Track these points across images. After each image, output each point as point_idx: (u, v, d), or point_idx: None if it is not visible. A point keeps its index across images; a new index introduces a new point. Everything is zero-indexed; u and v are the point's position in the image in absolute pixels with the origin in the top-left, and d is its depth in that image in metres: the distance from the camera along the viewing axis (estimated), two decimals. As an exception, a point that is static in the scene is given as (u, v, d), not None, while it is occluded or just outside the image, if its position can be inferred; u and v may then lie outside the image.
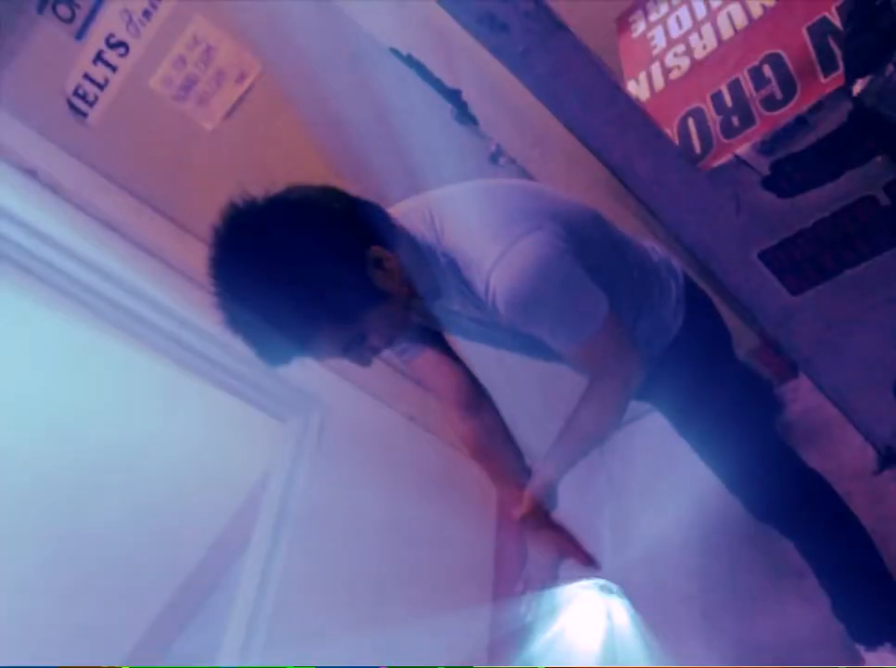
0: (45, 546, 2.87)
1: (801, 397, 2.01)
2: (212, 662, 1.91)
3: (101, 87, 1.84)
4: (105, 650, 3.20)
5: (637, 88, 1.62)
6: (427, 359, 1.32)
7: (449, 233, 1.07)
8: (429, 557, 2.19)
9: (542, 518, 1.28)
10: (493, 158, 1.81)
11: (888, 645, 1.49)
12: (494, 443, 1.36)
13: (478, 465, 1.39)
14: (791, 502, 1.42)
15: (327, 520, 2.06)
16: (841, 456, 1.83)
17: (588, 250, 1.10)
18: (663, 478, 2.04)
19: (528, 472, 1.32)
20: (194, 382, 2.13)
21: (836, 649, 1.59)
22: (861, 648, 1.54)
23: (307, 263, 0.98)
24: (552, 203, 1.15)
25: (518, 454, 1.37)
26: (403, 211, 1.14)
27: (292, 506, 2.03)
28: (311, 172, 1.93)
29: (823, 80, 1.21)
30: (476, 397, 1.36)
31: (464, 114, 1.77)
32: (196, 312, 1.88)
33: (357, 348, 1.09)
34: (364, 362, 1.11)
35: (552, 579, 1.35)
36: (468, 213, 1.07)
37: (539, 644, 2.07)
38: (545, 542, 1.31)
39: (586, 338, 1.08)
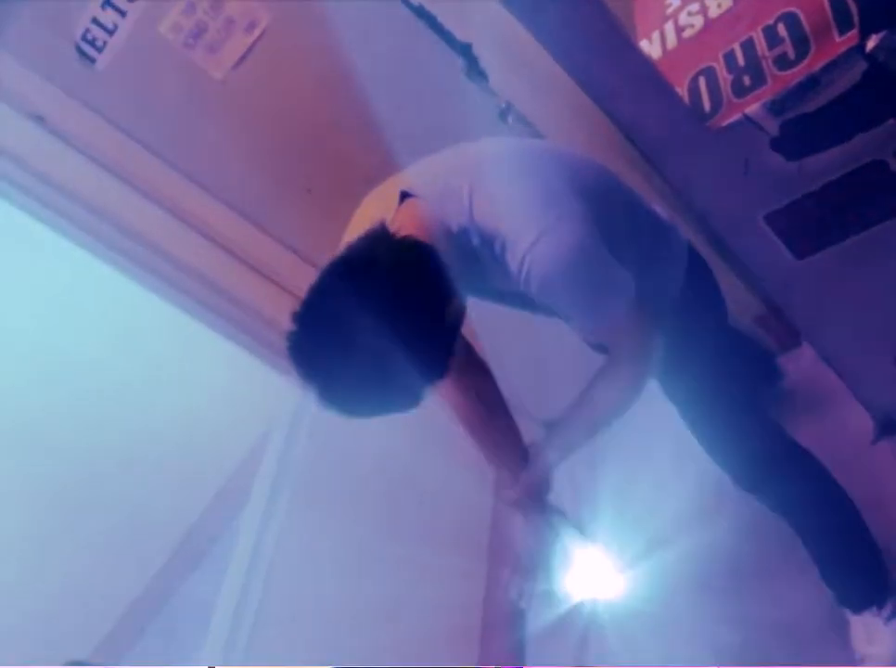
0: (48, 493, 2.91)
1: (803, 365, 2.01)
2: (209, 613, 1.94)
3: (110, 33, 1.82)
4: (109, 597, 3.27)
5: (650, 47, 1.60)
6: None
7: (483, 211, 1.07)
8: (428, 512, 2.22)
9: (537, 501, 1.32)
10: (503, 115, 1.79)
11: (873, 608, 1.52)
12: (490, 420, 1.36)
13: (474, 442, 1.38)
14: (773, 475, 1.43)
15: (328, 472, 2.08)
16: (839, 425, 1.84)
17: (607, 216, 1.11)
18: (654, 447, 2.05)
19: (525, 453, 1.32)
20: (199, 332, 2.13)
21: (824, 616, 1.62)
22: (847, 613, 1.57)
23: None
24: (578, 175, 1.14)
25: (515, 434, 1.37)
26: (440, 189, 1.11)
27: (294, 457, 2.05)
28: (318, 124, 1.93)
29: (837, 39, 1.19)
30: (471, 371, 1.36)
31: (474, 69, 1.75)
32: (202, 261, 1.89)
33: None
34: None
35: (546, 561, 1.37)
36: (504, 191, 1.08)
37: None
38: (540, 524, 1.34)
39: (612, 321, 1.10)
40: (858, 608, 1.55)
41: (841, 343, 1.57)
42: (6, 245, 1.98)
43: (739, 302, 1.96)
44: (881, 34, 1.01)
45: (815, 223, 1.35)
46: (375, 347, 0.94)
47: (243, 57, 1.87)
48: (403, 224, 1.07)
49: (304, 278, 2.00)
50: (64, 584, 2.98)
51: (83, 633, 3.11)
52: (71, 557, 2.99)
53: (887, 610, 1.52)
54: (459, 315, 1.09)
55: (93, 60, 1.84)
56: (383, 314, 0.95)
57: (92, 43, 1.83)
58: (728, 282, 1.81)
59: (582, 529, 1.41)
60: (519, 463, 1.31)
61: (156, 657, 2.98)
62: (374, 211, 1.17)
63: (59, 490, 2.93)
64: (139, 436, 2.96)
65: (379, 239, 1.03)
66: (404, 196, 1.12)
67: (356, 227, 1.17)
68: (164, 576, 3.36)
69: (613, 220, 1.14)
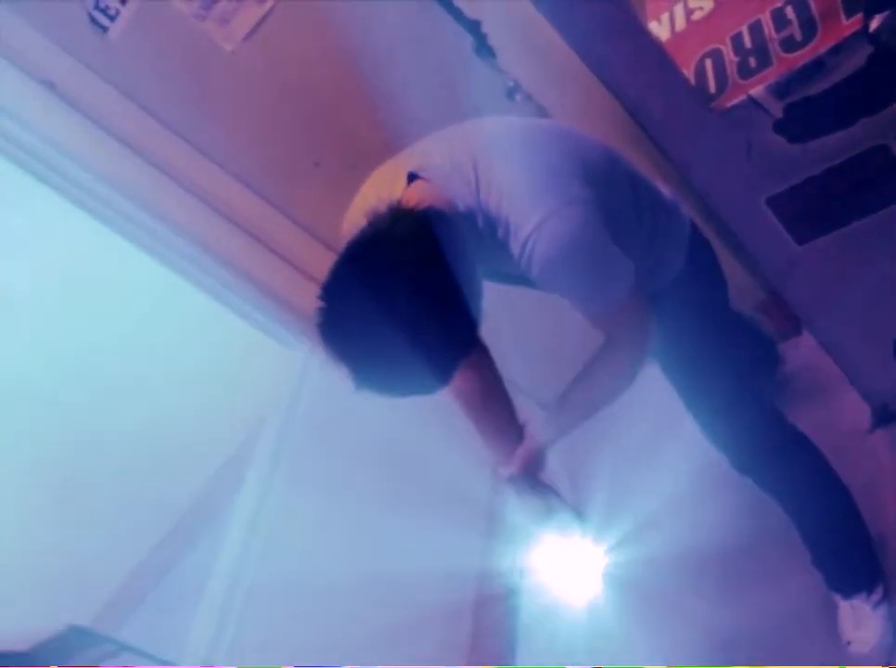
0: (53, 463, 2.94)
1: (802, 353, 2.01)
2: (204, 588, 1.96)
3: (122, 1, 1.83)
4: (111, 565, 3.32)
5: (659, 28, 1.60)
6: None
7: (489, 194, 1.07)
8: (426, 487, 2.23)
9: (531, 478, 1.32)
10: (510, 93, 1.79)
11: (862, 594, 1.53)
12: (488, 396, 1.35)
13: (469, 419, 1.37)
14: (769, 457, 1.44)
15: (329, 446, 2.09)
16: (837, 413, 1.84)
17: (612, 197, 1.12)
18: (650, 428, 2.06)
19: (520, 431, 1.33)
20: (204, 307, 2.14)
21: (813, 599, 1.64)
22: (837, 597, 1.58)
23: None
24: (584, 156, 1.14)
25: (511, 411, 1.36)
26: (447, 171, 1.10)
27: (295, 432, 2.06)
28: (327, 98, 1.94)
29: (844, 22, 1.19)
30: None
31: (483, 47, 1.75)
32: (209, 233, 1.90)
33: None
34: None
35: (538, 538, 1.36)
36: (509, 175, 1.07)
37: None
38: (532, 501, 1.34)
39: (611, 307, 1.10)
40: (847, 593, 1.56)
41: (840, 331, 1.57)
42: (13, 207, 2.00)
43: (741, 288, 1.96)
44: (884, 14, 1.01)
45: (817, 207, 1.35)
46: (406, 323, 0.94)
47: (254, 30, 1.87)
48: (413, 203, 1.05)
49: (308, 251, 2.04)
50: (67, 552, 3.02)
51: (85, 599, 3.16)
52: (75, 525, 3.03)
53: (875, 596, 1.53)
54: (482, 286, 1.07)
55: (105, 29, 1.85)
56: (411, 287, 0.95)
57: (104, 11, 1.84)
58: (730, 267, 1.80)
59: (575, 508, 1.42)
60: (514, 440, 1.32)
61: (154, 625, 3.02)
62: (380, 190, 1.16)
63: (64, 460, 2.96)
64: (145, 410, 2.99)
65: (399, 214, 1.01)
66: (412, 177, 1.12)
67: (360, 205, 1.17)
68: (165, 547, 3.40)
69: (618, 201, 1.14)
